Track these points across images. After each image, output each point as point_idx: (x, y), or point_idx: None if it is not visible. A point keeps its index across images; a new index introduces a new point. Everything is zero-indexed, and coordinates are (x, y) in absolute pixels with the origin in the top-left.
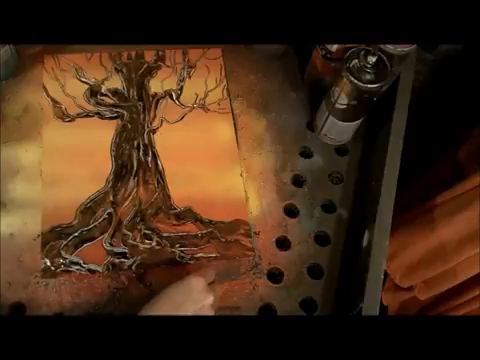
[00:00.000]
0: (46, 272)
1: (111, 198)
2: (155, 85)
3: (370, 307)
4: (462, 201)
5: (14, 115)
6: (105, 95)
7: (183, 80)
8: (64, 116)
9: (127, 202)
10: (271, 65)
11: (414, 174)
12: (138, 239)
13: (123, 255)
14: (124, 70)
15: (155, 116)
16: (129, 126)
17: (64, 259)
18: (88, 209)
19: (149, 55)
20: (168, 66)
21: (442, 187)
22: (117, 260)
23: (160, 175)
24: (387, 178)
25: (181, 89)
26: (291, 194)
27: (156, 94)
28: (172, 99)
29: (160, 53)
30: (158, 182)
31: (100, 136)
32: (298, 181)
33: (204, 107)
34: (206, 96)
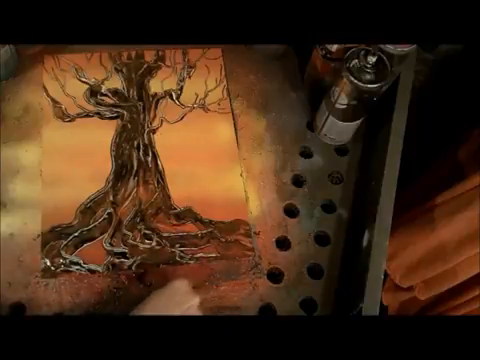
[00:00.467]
0: (46, 272)
1: (111, 198)
2: (155, 85)
3: (370, 307)
4: (462, 201)
5: (14, 115)
6: (105, 95)
7: (183, 80)
8: (64, 116)
9: (127, 202)
10: (271, 65)
11: (414, 174)
12: (138, 239)
13: (123, 255)
14: (124, 70)
15: (155, 116)
16: (129, 126)
17: (64, 259)
18: (88, 209)
19: (149, 55)
20: (168, 66)
21: (442, 187)
22: (117, 260)
23: (160, 175)
24: (387, 178)
25: (181, 89)
26: (291, 194)
27: (156, 94)
28: (172, 99)
29: (160, 53)
30: (158, 182)
31: (100, 136)
32: (298, 181)
33: (204, 107)
34: (206, 96)
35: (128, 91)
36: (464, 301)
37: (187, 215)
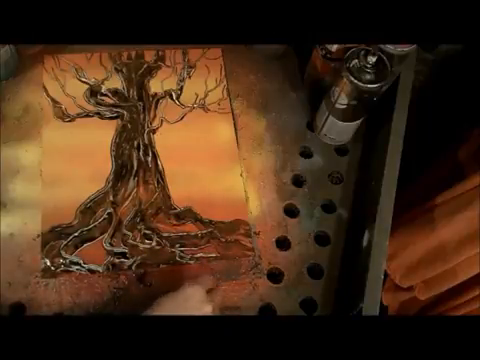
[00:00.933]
0: (46, 272)
1: (111, 198)
2: (155, 85)
3: (370, 307)
4: (462, 201)
5: (14, 115)
6: (105, 95)
7: (183, 80)
8: (64, 116)
9: (127, 202)
10: (271, 65)
11: (414, 174)
12: (138, 239)
13: (123, 255)
14: (124, 70)
15: (155, 116)
16: (129, 126)
17: (64, 259)
18: (88, 209)
19: (149, 55)
20: (168, 66)
21: (442, 187)
22: (117, 260)
23: (160, 175)
24: (387, 178)
25: (181, 89)
26: (291, 194)
27: (156, 94)
28: (172, 99)
29: (160, 53)
30: (158, 182)
31: (100, 136)
32: (298, 181)
33: (204, 107)
34: (206, 96)
35: (128, 91)
36: (464, 301)
37: (187, 215)
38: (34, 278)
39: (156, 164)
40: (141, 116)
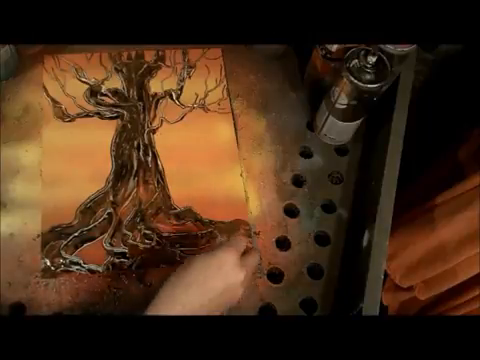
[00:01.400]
0: (46, 272)
1: (111, 198)
2: (155, 85)
3: (370, 307)
4: (462, 201)
5: (14, 115)
6: (105, 95)
7: (183, 80)
8: (64, 116)
9: (127, 202)
10: (271, 65)
11: (414, 174)
12: (138, 239)
13: (123, 255)
14: (124, 70)
15: (155, 116)
16: (129, 126)
17: (64, 259)
18: (88, 209)
19: (149, 55)
20: (168, 66)
21: (442, 187)
22: (117, 260)
23: (160, 175)
24: (387, 178)
25: (181, 89)
26: (291, 194)
27: (156, 94)
28: (172, 99)
29: (160, 53)
30: (158, 182)
31: (100, 136)
32: (298, 181)
33: (204, 107)
34: (206, 96)
35: (128, 91)
36: (464, 301)
37: (187, 215)
38: (34, 278)
39: (156, 164)
40: (141, 116)
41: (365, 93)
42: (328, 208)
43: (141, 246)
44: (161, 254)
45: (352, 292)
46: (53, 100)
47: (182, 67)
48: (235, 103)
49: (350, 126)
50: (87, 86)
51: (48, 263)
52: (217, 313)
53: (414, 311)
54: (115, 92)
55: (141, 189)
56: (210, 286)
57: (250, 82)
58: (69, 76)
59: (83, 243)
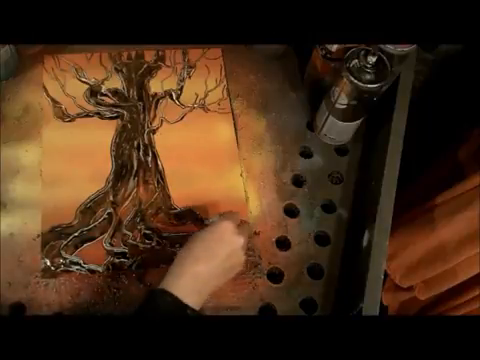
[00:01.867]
0: (46, 272)
1: (111, 198)
2: (155, 85)
3: (370, 307)
4: (462, 201)
5: (14, 115)
6: (105, 95)
7: (183, 80)
8: (64, 116)
9: (127, 202)
10: (271, 65)
11: (414, 174)
12: (138, 239)
13: (123, 255)
14: (124, 70)
15: (155, 116)
16: (129, 126)
17: (64, 259)
18: (88, 209)
19: (149, 55)
20: (168, 66)
21: (442, 187)
22: (117, 260)
23: (160, 175)
24: (387, 178)
25: (181, 89)
26: (291, 194)
27: (156, 94)
28: (172, 99)
29: (160, 53)
30: (158, 182)
31: (100, 136)
32: (298, 181)
33: (204, 107)
34: (206, 96)
35: (128, 91)
36: (464, 301)
37: (187, 215)
38: (34, 278)
39: (156, 164)
40: (141, 116)
41: (365, 93)
42: (328, 208)
43: (141, 246)
44: (161, 254)
45: (352, 292)
46: (53, 100)
47: (182, 67)
48: (235, 103)
49: (350, 126)
50: (87, 86)
51: (48, 263)
52: (224, 280)
53: (414, 311)
54: (115, 92)
55: (141, 189)
56: (215, 253)
57: (250, 82)
58: (69, 76)
59: (83, 243)
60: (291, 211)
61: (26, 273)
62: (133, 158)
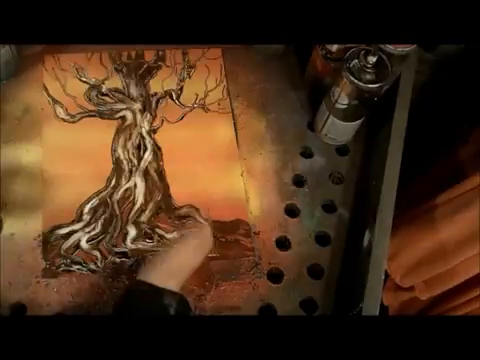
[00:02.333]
0: (47, 272)
1: (111, 198)
2: (155, 85)
3: (370, 307)
4: (462, 201)
5: (14, 115)
6: (105, 95)
7: (183, 80)
8: (64, 116)
9: (128, 202)
10: (271, 65)
11: (414, 174)
12: (139, 239)
13: (124, 255)
14: (124, 70)
15: (155, 116)
16: (129, 126)
17: (65, 259)
18: (89, 209)
19: (149, 55)
20: (168, 66)
21: (442, 187)
22: (118, 260)
23: (160, 175)
24: (388, 178)
25: (181, 89)
26: (292, 194)
27: (156, 94)
28: (172, 99)
29: (160, 53)
30: (158, 182)
31: (100, 136)
32: (299, 181)
33: (204, 107)
34: (206, 96)
35: (128, 91)
36: (464, 301)
37: (187, 215)
38: (35, 278)
39: (156, 164)
40: (141, 116)
41: (365, 93)
42: (329, 208)
43: (141, 246)
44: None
45: (352, 292)
46: (53, 100)
47: (182, 67)
48: (235, 103)
49: (351, 126)
50: (87, 86)
51: (49, 263)
52: (197, 259)
53: (414, 311)
54: (115, 92)
55: (142, 189)
56: (183, 238)
57: (250, 82)
58: (69, 76)
59: (84, 243)
60: (291, 211)
61: (27, 273)
62: (133, 158)
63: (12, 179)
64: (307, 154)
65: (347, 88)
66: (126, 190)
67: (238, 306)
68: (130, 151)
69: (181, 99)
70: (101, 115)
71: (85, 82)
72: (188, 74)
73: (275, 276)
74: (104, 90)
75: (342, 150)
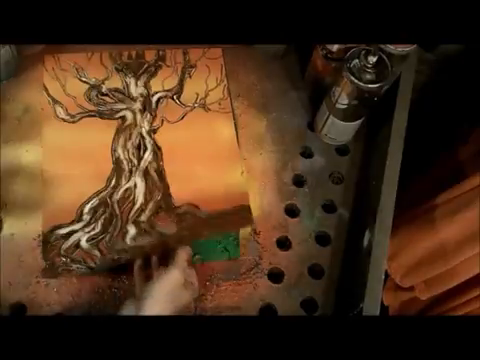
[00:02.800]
0: (47, 272)
1: (112, 198)
2: (156, 85)
3: (370, 307)
4: (462, 201)
5: (14, 115)
6: (105, 95)
7: (184, 80)
8: (64, 116)
9: (128, 201)
10: (272, 65)
11: (414, 174)
12: (139, 238)
13: (123, 255)
14: (124, 70)
15: (156, 116)
16: (129, 126)
17: (65, 259)
18: (89, 209)
19: (149, 55)
20: (168, 66)
21: (442, 187)
22: (116, 256)
23: (160, 175)
24: (388, 178)
25: (182, 89)
26: (292, 194)
27: (156, 94)
28: (173, 99)
29: (160, 53)
30: (158, 182)
31: (101, 136)
32: (299, 181)
33: (205, 107)
34: (207, 96)
35: (128, 91)
36: (464, 301)
37: (188, 214)
38: (35, 278)
39: (157, 163)
40: (142, 116)
41: (366, 93)
42: (329, 208)
43: (141, 245)
44: (162, 253)
45: (353, 292)
46: (53, 100)
47: (183, 67)
48: (236, 103)
49: (351, 126)
50: (87, 86)
51: (49, 263)
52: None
53: (415, 311)
54: (115, 92)
55: (142, 188)
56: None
57: (251, 82)
58: (69, 76)
59: (84, 243)
60: (292, 211)
61: (27, 273)
62: (133, 158)
63: (12, 179)
64: (307, 154)
65: (347, 88)
66: (126, 190)
67: (238, 306)
68: (130, 151)
69: (181, 99)
70: (101, 115)
71: (85, 82)
72: (188, 74)
73: (275, 276)
74: (104, 90)
75: (342, 150)
